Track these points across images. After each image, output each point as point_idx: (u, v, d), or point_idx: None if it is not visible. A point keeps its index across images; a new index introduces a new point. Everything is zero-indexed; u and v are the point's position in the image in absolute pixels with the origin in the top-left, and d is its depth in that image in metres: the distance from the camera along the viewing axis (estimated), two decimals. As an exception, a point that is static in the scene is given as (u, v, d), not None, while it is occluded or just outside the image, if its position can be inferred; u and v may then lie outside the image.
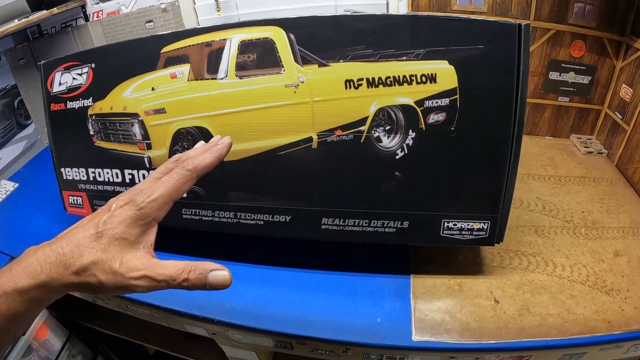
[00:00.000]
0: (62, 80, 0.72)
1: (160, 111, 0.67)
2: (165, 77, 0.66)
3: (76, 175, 0.75)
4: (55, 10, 0.99)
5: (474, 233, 0.61)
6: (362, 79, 0.58)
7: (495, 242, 0.62)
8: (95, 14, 1.11)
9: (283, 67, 0.60)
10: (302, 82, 0.59)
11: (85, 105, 0.72)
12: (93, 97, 0.71)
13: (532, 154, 0.96)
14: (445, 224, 0.61)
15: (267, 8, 1.05)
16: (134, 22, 1.08)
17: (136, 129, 0.69)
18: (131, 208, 0.32)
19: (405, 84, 0.58)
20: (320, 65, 0.59)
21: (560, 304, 0.61)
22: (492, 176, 0.59)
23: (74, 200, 0.77)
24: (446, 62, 0.56)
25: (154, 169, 0.69)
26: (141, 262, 0.31)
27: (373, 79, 0.58)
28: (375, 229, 0.63)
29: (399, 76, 0.57)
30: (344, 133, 0.60)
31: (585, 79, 0.95)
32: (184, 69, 0.65)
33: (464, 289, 0.64)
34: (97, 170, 0.74)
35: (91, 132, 0.73)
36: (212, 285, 0.32)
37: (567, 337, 0.57)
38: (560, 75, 0.95)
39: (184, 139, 0.67)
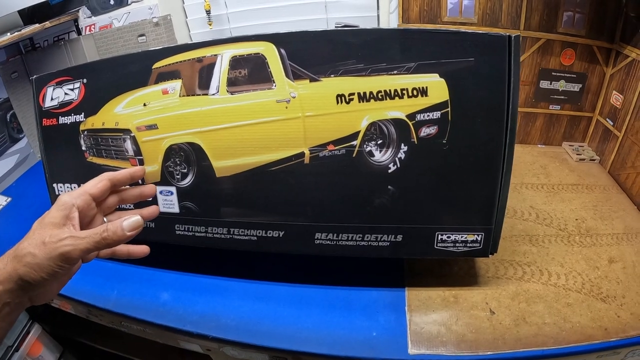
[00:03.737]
0: (54, 96, 0.71)
1: (152, 127, 0.67)
2: (157, 92, 0.66)
3: (69, 191, 0.75)
4: (47, 23, 0.99)
5: (468, 245, 0.61)
6: (353, 94, 0.58)
7: (489, 253, 0.62)
8: (88, 28, 1.11)
9: (274, 82, 0.60)
10: (294, 98, 0.59)
11: (77, 120, 0.71)
12: (85, 113, 0.70)
13: (525, 163, 0.97)
14: (439, 237, 0.61)
15: (259, 22, 1.05)
16: (126, 36, 1.08)
17: (128, 145, 0.69)
18: (55, 202, 0.40)
19: (397, 98, 0.58)
20: (312, 80, 0.59)
21: (556, 313, 0.61)
22: (485, 187, 0.59)
23: None
24: (437, 75, 0.56)
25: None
26: (67, 231, 0.37)
27: (364, 93, 0.58)
28: (369, 243, 0.63)
29: (390, 90, 0.58)
30: (336, 148, 0.60)
31: (575, 87, 0.96)
32: (176, 84, 0.65)
33: (459, 300, 0.64)
34: (89, 186, 0.73)
35: (83, 148, 0.72)
36: (129, 228, 0.39)
37: (563, 345, 0.57)
38: (551, 84, 0.96)
39: (176, 155, 0.66)
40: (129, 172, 0.46)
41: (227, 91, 0.62)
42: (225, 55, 0.61)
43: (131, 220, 0.40)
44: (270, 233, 0.65)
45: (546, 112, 0.98)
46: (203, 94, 0.63)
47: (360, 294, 0.67)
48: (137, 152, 0.68)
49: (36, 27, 0.97)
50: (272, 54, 0.59)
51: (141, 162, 0.69)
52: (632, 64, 0.85)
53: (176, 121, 0.65)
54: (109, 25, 1.10)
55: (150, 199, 0.69)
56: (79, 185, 0.75)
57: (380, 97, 0.58)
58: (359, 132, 0.59)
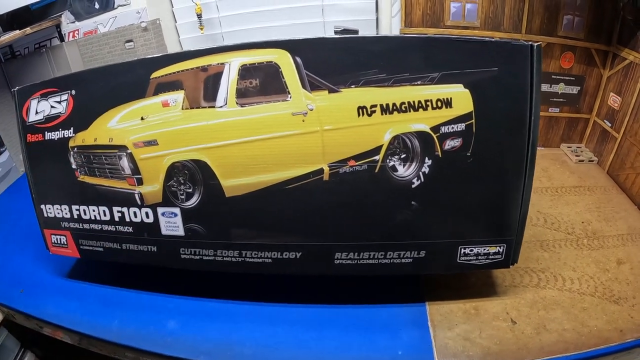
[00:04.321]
0: (39, 109, 0.64)
1: (151, 143, 0.61)
2: (156, 105, 0.60)
3: (58, 213, 0.68)
4: (28, 30, 0.91)
5: (490, 257, 0.60)
6: (375, 106, 0.55)
7: (510, 263, 0.61)
8: (71, 34, 1.02)
9: (289, 93, 0.56)
10: (311, 110, 0.56)
11: (66, 136, 0.64)
12: (74, 128, 0.64)
13: (529, 165, 0.97)
14: (462, 251, 0.60)
15: (252, 25, 0.99)
16: (112, 41, 1.00)
17: (124, 163, 0.63)
18: None
19: (421, 110, 0.55)
20: (331, 91, 0.55)
21: (574, 318, 0.61)
22: (508, 199, 0.57)
23: (56, 239, 0.70)
24: (461, 85, 0.54)
25: (147, 207, 0.64)
26: None
27: (387, 105, 0.55)
28: (392, 260, 0.60)
29: (414, 101, 0.55)
30: (358, 163, 0.57)
31: (574, 89, 0.97)
32: (177, 96, 0.59)
33: (480, 312, 0.63)
34: (82, 207, 0.67)
35: (73, 166, 0.65)
36: None
37: (584, 350, 0.57)
38: (550, 87, 0.96)
39: (180, 173, 0.61)
40: None
41: (237, 103, 0.57)
42: (233, 63, 0.56)
43: None
44: (286, 255, 0.61)
45: (545, 114, 0.99)
46: (209, 107, 0.58)
47: (380, 311, 0.65)
48: (135, 170, 0.62)
49: (16, 33, 0.89)
50: (286, 63, 0.55)
51: (140, 182, 0.63)
52: (630, 67, 0.87)
53: (179, 136, 0.59)
54: (93, 30, 1.02)
55: (151, 222, 0.63)
56: (69, 208, 0.69)
57: (404, 108, 0.55)
58: (381, 146, 0.56)
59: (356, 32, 0.65)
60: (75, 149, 0.65)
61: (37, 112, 0.64)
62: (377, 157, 0.56)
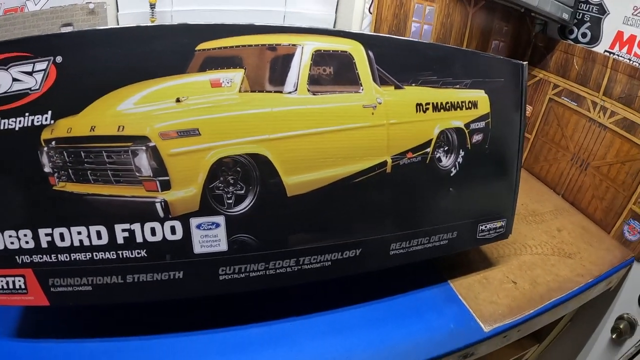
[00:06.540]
0: (-15, 81, 0.40)
1: (189, 133, 0.48)
2: (202, 84, 0.48)
3: (13, 242, 0.43)
4: None
5: (497, 231, 0.74)
6: (429, 104, 0.60)
7: (508, 235, 0.76)
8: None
9: (362, 85, 0.54)
10: (380, 104, 0.56)
11: (36, 124, 0.42)
12: (54, 112, 0.43)
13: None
14: (480, 228, 0.71)
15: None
16: (44, 24, 0.71)
17: (142, 161, 0.47)
18: None
19: (459, 109, 0.64)
20: (396, 87, 0.57)
21: (550, 272, 0.81)
22: (510, 181, 0.72)
23: (7, 283, 0.44)
24: (483, 91, 0.66)
25: (174, 219, 0.49)
26: None
27: (437, 103, 0.61)
28: (433, 244, 0.66)
29: (454, 102, 0.63)
30: (414, 155, 0.60)
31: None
32: (234, 75, 0.49)
33: (489, 280, 0.76)
34: (59, 230, 0.45)
35: (47, 169, 0.44)
36: None
37: (567, 292, 0.76)
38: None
39: (230, 171, 0.50)
40: None
41: (308, 90, 0.52)
42: (306, 47, 0.51)
43: None
44: (346, 254, 0.58)
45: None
46: (275, 92, 0.50)
47: (418, 296, 0.69)
48: (160, 170, 0.47)
49: None
50: (360, 55, 0.54)
51: (165, 186, 0.48)
52: (539, 82, 1.17)
53: (232, 125, 0.49)
54: (20, 8, 0.69)
55: (178, 239, 0.45)
56: (34, 233, 0.44)
57: (447, 107, 0.62)
58: (431, 139, 0.61)
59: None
60: (54, 143, 0.44)
61: (-20, 85, 0.40)
62: (428, 150, 0.61)
